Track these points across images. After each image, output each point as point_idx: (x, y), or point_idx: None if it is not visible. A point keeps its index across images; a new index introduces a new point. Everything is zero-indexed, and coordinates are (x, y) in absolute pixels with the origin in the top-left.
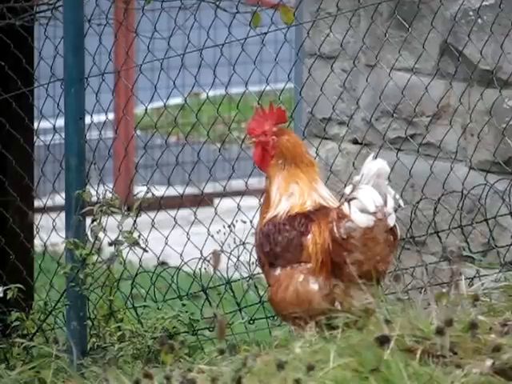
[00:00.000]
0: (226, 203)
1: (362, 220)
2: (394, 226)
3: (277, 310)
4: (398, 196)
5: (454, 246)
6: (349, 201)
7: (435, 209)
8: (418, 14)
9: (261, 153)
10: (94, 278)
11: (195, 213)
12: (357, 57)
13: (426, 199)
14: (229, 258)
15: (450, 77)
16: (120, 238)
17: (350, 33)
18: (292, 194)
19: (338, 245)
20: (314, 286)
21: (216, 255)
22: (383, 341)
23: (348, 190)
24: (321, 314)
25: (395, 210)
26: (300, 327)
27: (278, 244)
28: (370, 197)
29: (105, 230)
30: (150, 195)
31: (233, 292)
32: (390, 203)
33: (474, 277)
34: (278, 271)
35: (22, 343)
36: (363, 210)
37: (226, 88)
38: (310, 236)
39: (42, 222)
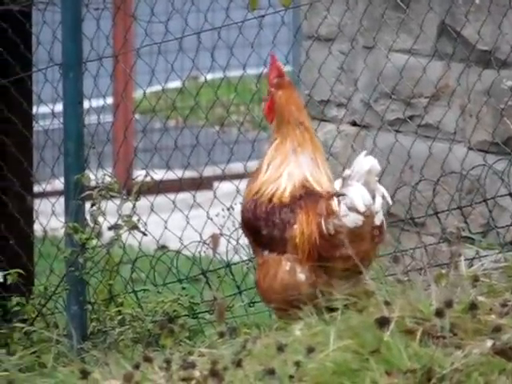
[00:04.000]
0: (226, 186)
1: (351, 219)
2: (382, 222)
3: (263, 297)
4: (386, 194)
5: (454, 226)
6: (338, 196)
7: (434, 190)
8: None
9: (267, 105)
10: (93, 262)
11: (194, 196)
12: (354, 38)
13: (425, 180)
14: (228, 241)
15: (448, 58)
16: (119, 222)
17: (347, 14)
18: (278, 166)
19: (324, 240)
20: (301, 276)
21: (215, 238)
22: (383, 322)
23: (338, 184)
24: (303, 303)
25: (383, 209)
26: (283, 314)
27: (263, 229)
28: (360, 196)
29: (104, 214)
30: (149, 179)
31: (232, 275)
32: (379, 202)
33: (474, 257)
34: (265, 252)
35: (23, 328)
36: (352, 209)
37: (225, 71)
38: (296, 226)
39: (41, 206)
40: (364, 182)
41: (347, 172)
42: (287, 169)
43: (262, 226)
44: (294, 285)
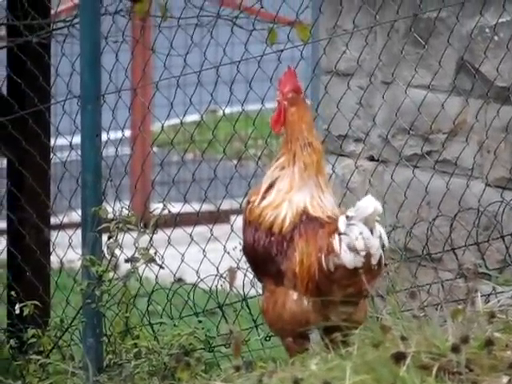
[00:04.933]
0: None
1: (351, 260)
2: (379, 259)
3: (271, 326)
4: (384, 235)
5: (470, 262)
6: (339, 234)
7: (451, 225)
8: (434, 31)
9: (276, 115)
10: (110, 294)
11: (211, 229)
12: (373, 74)
13: (443, 216)
14: (245, 275)
15: (467, 94)
16: (136, 254)
17: (366, 50)
18: (271, 188)
19: (323, 275)
20: (308, 304)
21: (232, 272)
22: (399, 357)
23: (342, 222)
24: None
25: (382, 248)
26: (293, 343)
27: (261, 257)
28: (362, 238)
29: (121, 246)
30: (166, 212)
31: (249, 309)
32: (376, 243)
33: (490, 294)
34: (270, 283)
35: (38, 360)
36: (353, 250)
37: (243, 105)
38: (296, 256)
39: (58, 238)
40: (364, 220)
41: (351, 213)
42: (290, 194)
43: (260, 257)
44: (301, 311)
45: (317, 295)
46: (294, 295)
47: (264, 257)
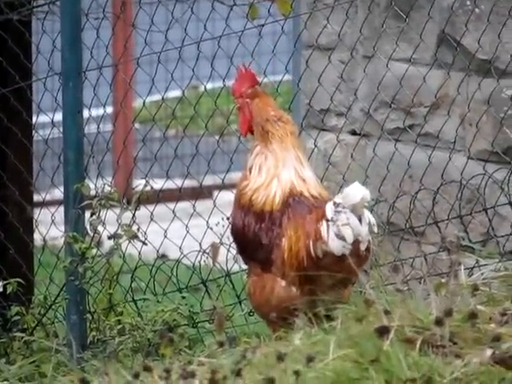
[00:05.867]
0: (225, 195)
1: (338, 248)
2: (368, 245)
3: (258, 310)
4: (373, 221)
5: (453, 235)
6: (327, 221)
7: (434, 199)
8: (415, 5)
9: (240, 116)
10: (93, 271)
11: (194, 205)
12: (354, 48)
13: (425, 189)
14: (228, 251)
15: (448, 67)
16: (119, 231)
17: (347, 24)
18: (260, 170)
19: (311, 261)
20: (295, 290)
21: (215, 247)
22: (383, 331)
23: (329, 209)
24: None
25: (370, 234)
26: (277, 327)
27: (251, 243)
28: (349, 226)
29: (104, 223)
30: (148, 188)
31: (232, 284)
32: (365, 230)
33: (474, 267)
34: (257, 268)
35: (22, 337)
36: (340, 238)
37: (224, 80)
38: (285, 239)
39: (41, 216)
40: (352, 207)
41: (338, 200)
42: (278, 171)
43: (250, 243)
44: (289, 298)
45: (305, 281)
46: (283, 282)
47: (253, 243)
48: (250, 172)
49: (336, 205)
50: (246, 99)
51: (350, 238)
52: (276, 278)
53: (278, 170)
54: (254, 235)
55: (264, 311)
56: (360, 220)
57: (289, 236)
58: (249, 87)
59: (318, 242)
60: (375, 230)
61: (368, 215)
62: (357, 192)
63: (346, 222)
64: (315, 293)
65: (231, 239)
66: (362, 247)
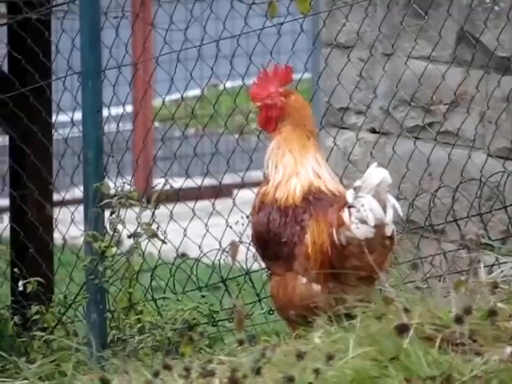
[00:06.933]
0: (245, 194)
1: (361, 232)
2: (392, 232)
3: (281, 311)
4: (397, 204)
5: (473, 233)
6: (349, 207)
7: (454, 197)
8: (434, 2)
9: (266, 116)
10: (113, 270)
11: (214, 204)
12: (373, 46)
13: (445, 187)
14: (248, 249)
15: (467, 64)
16: (139, 230)
17: (366, 22)
18: (285, 165)
19: (336, 250)
20: (317, 288)
21: (235, 246)
22: (402, 329)
23: (350, 195)
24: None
25: (394, 219)
26: (296, 325)
27: (274, 240)
28: (370, 209)
29: (123, 222)
30: (168, 187)
31: (252, 283)
32: (389, 213)
33: (493, 264)
34: (280, 268)
35: (42, 336)
36: (363, 222)
37: (244, 79)
38: (308, 235)
39: (60, 215)
40: (375, 193)
41: (358, 183)
42: (296, 167)
43: (273, 239)
44: (311, 296)
45: (328, 279)
46: (303, 280)
47: (277, 240)
48: (270, 172)
49: (357, 190)
50: (279, 97)
51: (371, 221)
52: (297, 276)
53: (297, 168)
54: (277, 231)
55: (286, 311)
56: (384, 205)
57: (311, 231)
58: (282, 85)
59: (340, 229)
60: (400, 213)
61: (392, 200)
62: (376, 174)
63: (366, 205)
64: (338, 290)
65: (251, 238)
66: (387, 232)
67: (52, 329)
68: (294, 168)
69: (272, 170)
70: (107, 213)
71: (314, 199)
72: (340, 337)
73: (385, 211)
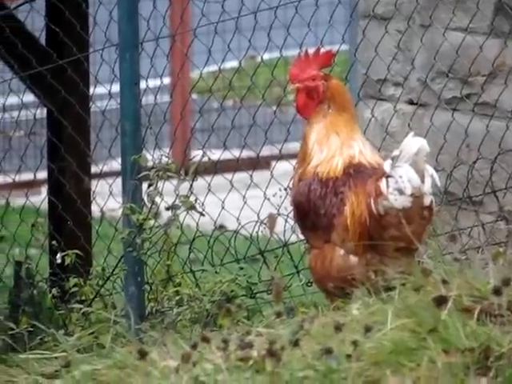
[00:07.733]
0: (283, 166)
1: (399, 201)
2: (431, 202)
3: (319, 283)
4: (435, 174)
5: (511, 205)
6: (387, 177)
7: (492, 168)
8: None
9: (305, 99)
10: (151, 242)
11: (252, 176)
12: (411, 17)
13: (483, 159)
14: (286, 221)
15: (505, 36)
16: (177, 202)
17: None
18: (330, 146)
19: (374, 220)
20: (355, 259)
21: (272, 218)
22: (441, 301)
23: (387, 165)
24: (359, 285)
25: (433, 189)
26: (335, 298)
27: (314, 211)
28: (407, 178)
29: (161, 194)
30: (206, 159)
31: (290, 255)
32: (428, 183)
33: None
34: (318, 240)
35: (81, 309)
36: (400, 191)
37: (281, 50)
38: (347, 206)
39: (98, 187)
40: (412, 162)
41: (396, 153)
42: (340, 149)
43: (313, 209)
44: (349, 268)
45: (368, 248)
46: (341, 251)
47: (316, 209)
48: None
49: (394, 159)
50: (321, 81)
51: (408, 190)
52: (335, 248)
53: (343, 149)
54: (317, 201)
55: (324, 283)
56: (422, 174)
57: (350, 202)
58: (322, 68)
59: (378, 199)
60: (438, 183)
61: (430, 169)
62: (414, 143)
63: (404, 175)
64: (376, 262)
65: (289, 210)
66: (425, 202)
67: (90, 301)
68: (340, 149)
69: (315, 151)
70: (145, 185)
71: (354, 172)
72: (378, 308)
73: (422, 181)
